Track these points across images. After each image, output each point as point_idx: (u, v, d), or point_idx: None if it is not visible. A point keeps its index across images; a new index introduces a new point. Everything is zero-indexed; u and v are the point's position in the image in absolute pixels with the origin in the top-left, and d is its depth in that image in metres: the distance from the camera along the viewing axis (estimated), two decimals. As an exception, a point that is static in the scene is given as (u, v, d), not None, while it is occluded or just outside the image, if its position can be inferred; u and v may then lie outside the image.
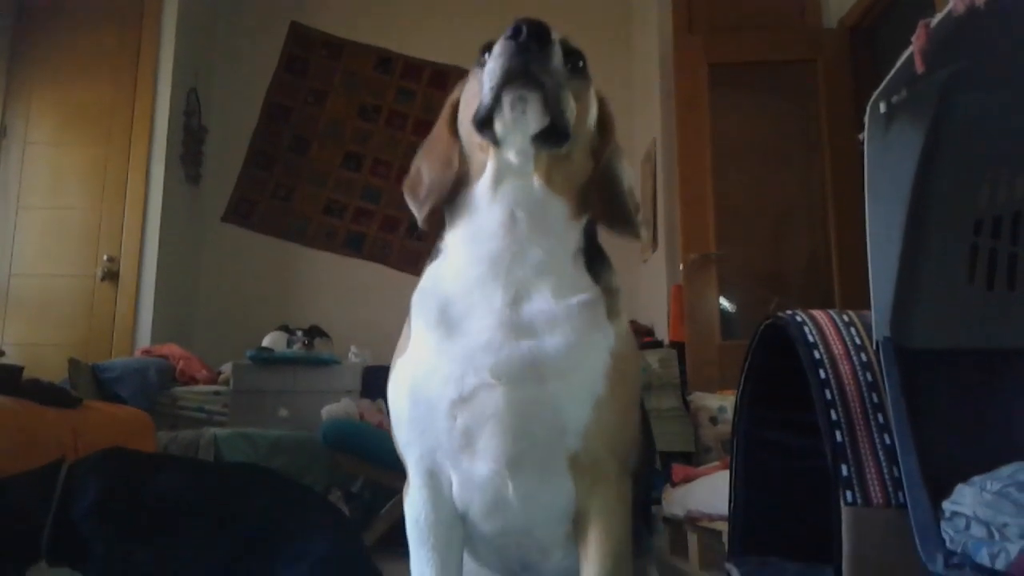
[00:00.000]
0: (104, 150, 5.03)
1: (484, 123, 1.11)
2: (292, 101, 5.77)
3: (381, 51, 5.79)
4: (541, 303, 1.13)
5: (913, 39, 1.19)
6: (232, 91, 5.73)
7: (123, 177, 5.00)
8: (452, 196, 1.21)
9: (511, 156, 1.13)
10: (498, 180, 1.15)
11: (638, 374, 1.24)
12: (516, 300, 1.13)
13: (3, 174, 4.97)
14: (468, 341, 1.11)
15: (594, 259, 1.21)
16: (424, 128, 5.99)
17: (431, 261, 1.24)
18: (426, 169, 1.26)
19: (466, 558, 1.27)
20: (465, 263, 1.17)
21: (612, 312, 1.18)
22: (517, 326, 1.11)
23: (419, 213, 1.23)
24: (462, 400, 1.10)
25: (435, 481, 1.18)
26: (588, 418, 1.10)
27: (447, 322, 1.14)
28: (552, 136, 1.10)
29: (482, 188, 1.17)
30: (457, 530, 1.20)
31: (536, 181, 1.15)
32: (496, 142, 1.13)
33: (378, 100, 5.73)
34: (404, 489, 1.22)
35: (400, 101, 5.71)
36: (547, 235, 1.16)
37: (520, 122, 1.08)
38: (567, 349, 1.11)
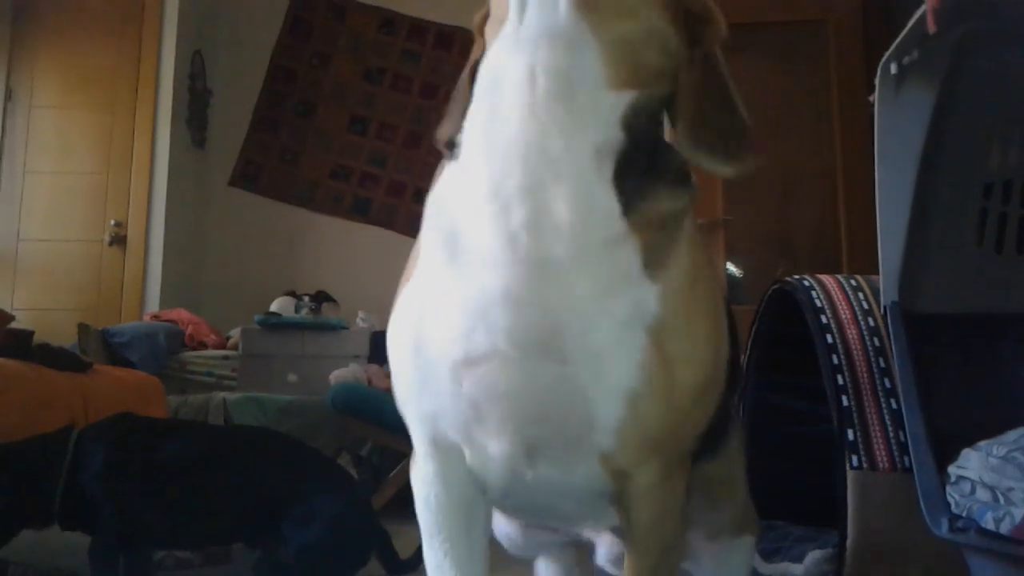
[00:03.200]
0: (109, 114, 5.01)
1: None
2: (297, 64, 5.73)
3: (385, 12, 5.73)
4: (555, 232, 0.80)
5: (926, -1, 1.17)
6: (237, 54, 5.69)
7: (129, 141, 4.98)
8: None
9: None
10: (521, 11, 0.82)
11: (703, 356, 0.88)
12: (536, 219, 0.80)
13: (9, 138, 4.96)
14: (479, 281, 0.82)
15: (636, 167, 0.83)
16: (430, 91, 5.89)
17: (449, 159, 0.92)
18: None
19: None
20: (478, 158, 0.85)
21: (656, 259, 0.83)
22: (537, 264, 0.80)
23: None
24: (469, 362, 0.83)
25: (442, 452, 0.93)
26: (621, 417, 0.83)
27: (454, 244, 0.85)
28: None
29: (504, 35, 0.84)
30: (478, 510, 0.95)
31: (564, 7, 0.80)
32: None
33: (383, 62, 5.68)
34: (411, 460, 0.98)
35: (405, 63, 5.65)
36: (569, 109, 0.80)
37: None
38: (590, 318, 0.81)
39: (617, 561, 1.12)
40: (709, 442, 1.02)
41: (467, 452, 0.91)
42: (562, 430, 0.85)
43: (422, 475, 0.94)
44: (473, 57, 0.93)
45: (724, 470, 1.15)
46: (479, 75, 0.87)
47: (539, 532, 1.19)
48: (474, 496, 0.94)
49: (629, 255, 0.82)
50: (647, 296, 0.82)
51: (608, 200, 0.81)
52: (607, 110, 0.82)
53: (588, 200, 0.81)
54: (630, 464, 0.87)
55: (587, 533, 1.17)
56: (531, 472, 0.89)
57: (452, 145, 0.90)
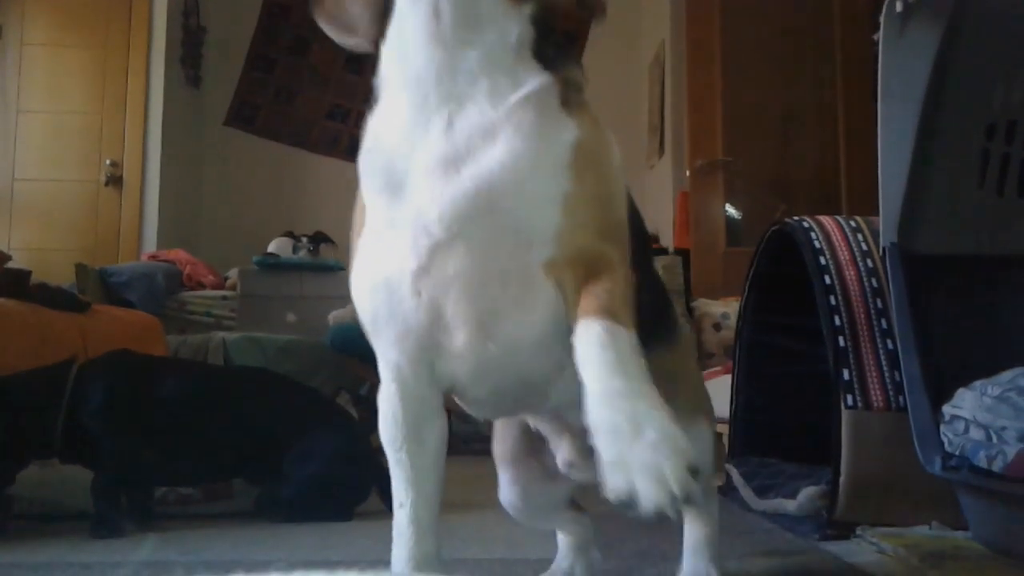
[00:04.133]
0: (102, 52, 4.94)
1: None
2: None
3: (383, -52, 5.62)
4: (475, 114, 0.91)
5: (934, -66, 1.15)
6: (231, -10, 5.60)
7: (123, 79, 4.92)
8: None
9: None
10: None
11: (615, 162, 0.99)
12: (450, 122, 0.91)
13: (1, 77, 4.90)
14: (415, 198, 0.91)
15: (546, 49, 0.97)
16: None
17: (372, 111, 1.00)
18: None
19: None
20: (396, 96, 0.94)
21: (570, 101, 0.95)
22: (455, 156, 0.90)
23: (353, 37, 1.00)
24: (421, 269, 0.92)
25: (410, 369, 1.00)
26: (558, 219, 0.91)
27: (393, 182, 0.94)
28: None
29: None
30: (433, 428, 1.04)
31: None
32: None
33: (380, -1, 5.58)
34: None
35: None
36: (479, 29, 0.92)
37: None
38: (514, 156, 0.90)
39: (574, 466, 1.20)
40: (657, 328, 1.13)
41: (436, 364, 0.99)
42: (508, 272, 0.92)
43: (386, 396, 1.02)
44: None
45: (677, 363, 1.21)
46: (389, 28, 0.95)
47: (527, 464, 1.26)
48: (431, 411, 1.03)
49: (550, 99, 0.93)
50: (567, 123, 0.93)
51: (531, 69, 0.93)
52: (515, 17, 0.94)
53: (511, 78, 0.92)
54: (576, 255, 0.93)
55: (555, 422, 1.21)
56: (492, 343, 0.96)
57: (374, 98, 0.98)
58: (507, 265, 0.92)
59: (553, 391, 1.08)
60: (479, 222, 0.90)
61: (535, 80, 0.93)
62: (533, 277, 0.93)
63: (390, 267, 0.93)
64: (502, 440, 1.29)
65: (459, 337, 0.95)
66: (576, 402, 0.88)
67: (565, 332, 0.93)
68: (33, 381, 1.89)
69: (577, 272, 0.92)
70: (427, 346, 0.97)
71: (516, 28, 0.94)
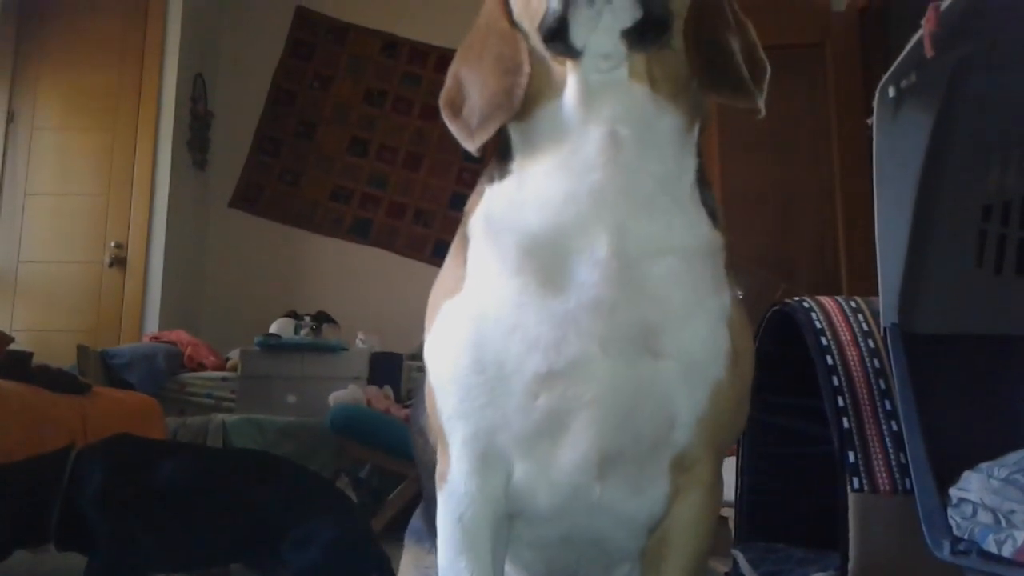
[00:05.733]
0: (111, 136, 5.03)
1: (555, 32, 0.83)
2: (298, 86, 5.76)
3: (387, 36, 5.77)
4: (656, 251, 0.87)
5: (923, 22, 1.18)
6: (238, 76, 5.72)
7: (130, 163, 4.99)
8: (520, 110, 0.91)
9: (599, 64, 0.86)
10: (587, 94, 0.88)
11: (753, 352, 0.98)
12: (625, 247, 0.86)
13: (11, 160, 4.97)
14: (568, 297, 0.86)
15: (705, 188, 0.94)
16: (431, 113, 5.91)
17: (492, 182, 0.95)
18: (475, 78, 0.95)
19: None
20: (556, 197, 0.88)
21: (728, 264, 0.94)
22: (628, 282, 0.86)
23: (471, 138, 0.93)
24: (552, 375, 0.85)
25: (489, 468, 0.91)
26: (703, 408, 0.88)
27: (536, 267, 0.87)
28: (648, 30, 0.83)
29: (567, 105, 0.89)
30: (505, 531, 0.95)
31: (638, 87, 0.87)
32: (575, 54, 0.85)
33: (384, 85, 5.71)
34: (439, 475, 0.95)
35: (406, 86, 5.68)
36: (660, 157, 0.89)
37: (604, 18, 0.81)
38: (688, 315, 0.87)
39: None
40: None
41: (521, 468, 0.91)
42: (644, 432, 0.88)
43: (459, 492, 0.93)
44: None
45: None
46: (533, 121, 0.92)
47: None
48: (505, 517, 0.95)
49: (719, 263, 0.93)
50: (728, 296, 0.93)
51: (703, 221, 0.92)
52: (690, 147, 0.92)
53: (688, 223, 0.90)
54: (696, 460, 0.91)
55: None
56: (599, 487, 0.90)
57: (504, 173, 0.94)
58: (647, 423, 0.88)
59: (620, 570, 1.04)
60: (641, 359, 0.86)
61: (709, 236, 0.92)
62: (661, 457, 0.91)
63: (508, 352, 0.87)
64: None
65: (568, 460, 0.89)
66: None
67: (653, 521, 0.94)
68: (30, 470, 1.88)
69: (679, 482, 0.92)
70: (523, 448, 0.90)
71: (691, 158, 0.92)
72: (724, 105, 0.93)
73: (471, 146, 0.92)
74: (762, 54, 0.97)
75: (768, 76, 0.96)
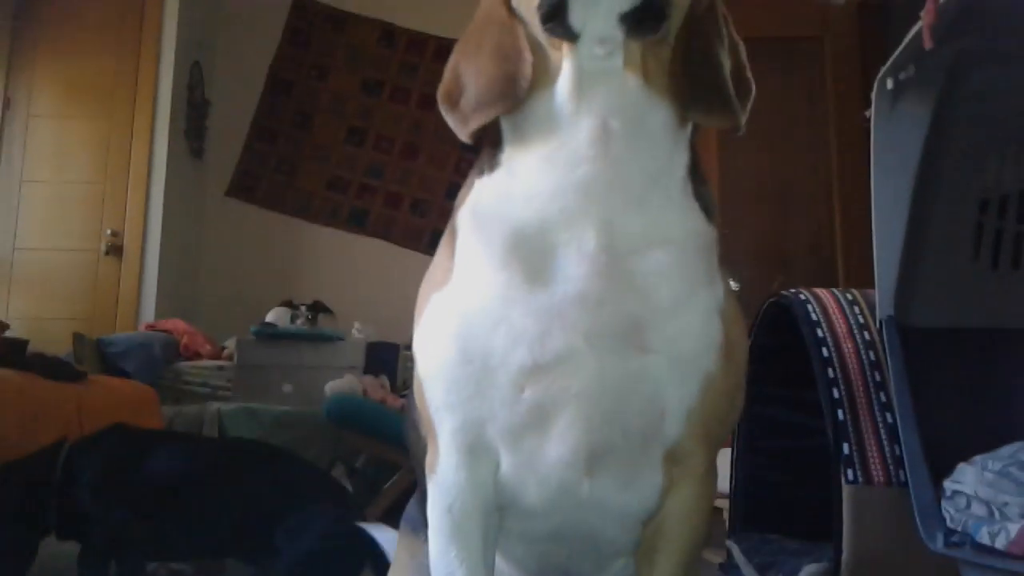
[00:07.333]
0: (107, 123, 5.01)
1: (553, 12, 0.83)
2: (295, 75, 5.74)
3: (384, 24, 5.74)
4: (646, 246, 0.87)
5: (922, 15, 1.18)
6: (235, 64, 5.70)
7: (126, 151, 4.97)
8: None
9: (595, 49, 0.85)
10: (581, 83, 0.87)
11: (747, 344, 0.98)
12: (613, 242, 0.86)
13: (7, 147, 4.95)
14: (554, 291, 0.85)
15: (699, 182, 0.93)
16: (428, 103, 5.89)
17: (482, 174, 0.95)
18: (473, 67, 0.94)
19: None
20: (544, 190, 0.88)
21: (721, 258, 0.94)
22: (616, 276, 0.85)
23: (463, 127, 0.92)
24: (537, 368, 0.85)
25: (477, 460, 0.92)
26: (693, 400, 0.88)
27: (522, 260, 0.87)
28: (646, 16, 0.82)
29: (560, 95, 0.88)
30: (495, 522, 0.95)
31: (632, 79, 0.87)
32: (572, 36, 0.85)
33: (381, 74, 5.69)
34: (428, 465, 0.96)
35: (404, 75, 5.66)
36: (651, 152, 0.88)
37: (604, 1, 0.82)
38: (677, 309, 0.87)
39: None
40: None
41: (508, 461, 0.92)
42: (633, 427, 0.88)
43: (448, 483, 0.93)
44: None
45: None
46: (526, 112, 0.91)
47: None
48: (495, 507, 0.95)
49: (712, 256, 0.92)
50: (718, 287, 0.92)
51: (696, 214, 0.91)
52: (682, 141, 0.91)
53: (680, 216, 0.90)
54: (689, 452, 0.91)
55: None
56: (588, 482, 0.90)
57: (493, 165, 0.94)
58: (636, 417, 0.88)
59: (613, 566, 1.03)
60: (627, 353, 0.86)
61: (702, 230, 0.91)
62: (653, 451, 0.91)
63: (494, 345, 0.87)
64: None
65: (554, 454, 0.89)
66: None
67: (646, 514, 0.94)
68: (25, 466, 1.89)
69: (672, 475, 0.92)
70: (510, 441, 0.90)
71: (683, 153, 0.91)
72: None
73: (464, 132, 0.92)
74: (749, 75, 0.97)
75: (752, 98, 0.96)
